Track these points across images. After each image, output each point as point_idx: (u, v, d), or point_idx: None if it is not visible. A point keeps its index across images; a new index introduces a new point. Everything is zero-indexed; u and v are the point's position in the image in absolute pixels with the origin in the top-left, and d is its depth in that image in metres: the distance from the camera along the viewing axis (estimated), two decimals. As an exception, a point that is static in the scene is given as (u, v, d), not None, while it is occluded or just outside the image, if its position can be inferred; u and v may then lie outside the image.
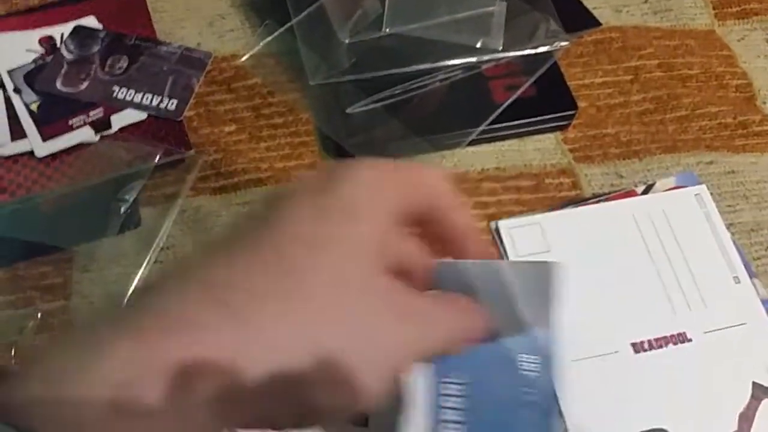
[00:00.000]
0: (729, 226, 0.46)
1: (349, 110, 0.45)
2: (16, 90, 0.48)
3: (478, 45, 0.46)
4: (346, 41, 0.45)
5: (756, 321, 0.43)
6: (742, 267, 0.44)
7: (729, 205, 0.47)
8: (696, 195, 0.47)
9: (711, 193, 0.47)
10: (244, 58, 0.50)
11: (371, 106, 0.46)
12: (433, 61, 0.46)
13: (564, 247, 0.44)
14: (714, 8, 0.56)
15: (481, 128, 0.46)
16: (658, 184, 0.47)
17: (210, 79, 0.51)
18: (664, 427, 0.39)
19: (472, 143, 0.47)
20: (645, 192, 0.47)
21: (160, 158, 0.45)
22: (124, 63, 0.49)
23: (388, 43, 0.46)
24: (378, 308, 0.21)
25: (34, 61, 0.49)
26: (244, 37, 0.52)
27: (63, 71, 0.48)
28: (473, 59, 0.47)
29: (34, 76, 0.48)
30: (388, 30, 0.45)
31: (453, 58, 0.46)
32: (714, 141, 0.50)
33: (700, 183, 0.47)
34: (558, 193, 0.47)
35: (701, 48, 0.54)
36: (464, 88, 0.47)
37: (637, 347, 0.42)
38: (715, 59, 0.54)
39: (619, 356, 0.41)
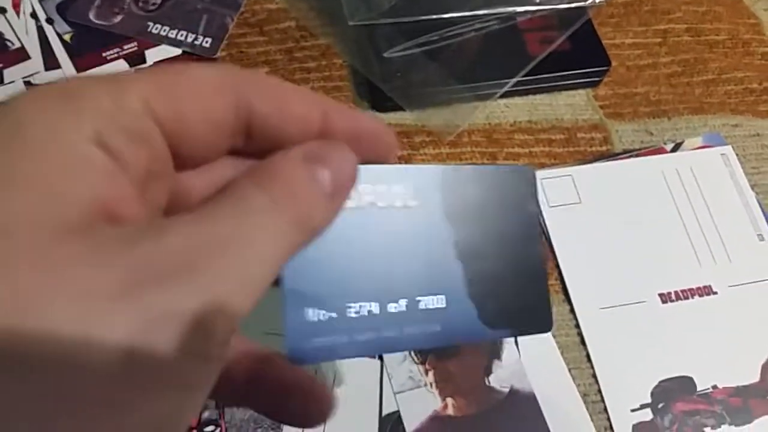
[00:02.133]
0: (753, 187, 0.47)
1: (386, 54, 0.45)
2: (49, 20, 0.47)
3: (517, -5, 0.47)
4: (386, -15, 0.45)
5: (779, 277, 0.44)
6: (766, 225, 0.45)
7: (753, 167, 0.48)
8: (722, 155, 0.48)
9: (736, 155, 0.48)
10: (280, -1, 0.49)
11: (408, 51, 0.46)
12: (470, 9, 0.46)
13: (595, 199, 0.45)
14: (742, -24, 0.57)
15: (515, 79, 0.46)
16: (686, 143, 0.48)
17: (242, 21, 0.50)
18: (689, 374, 0.40)
19: (504, 96, 0.48)
20: (674, 150, 0.47)
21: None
22: (153, 5, 0.48)
23: (428, -12, 0.46)
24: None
25: (67, -8, 0.48)
26: (277, -19, 0.52)
27: (96, 3, 0.48)
28: (510, 9, 0.47)
29: (66, 7, 0.47)
30: (428, -24, 0.45)
31: (490, 7, 0.47)
32: (739, 105, 0.51)
33: (725, 144, 0.48)
34: (589, 148, 0.47)
35: (729, 15, 0.55)
36: (500, 39, 0.47)
37: (664, 298, 0.42)
38: (742, 26, 0.55)
39: (647, 306, 0.42)
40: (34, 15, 0.47)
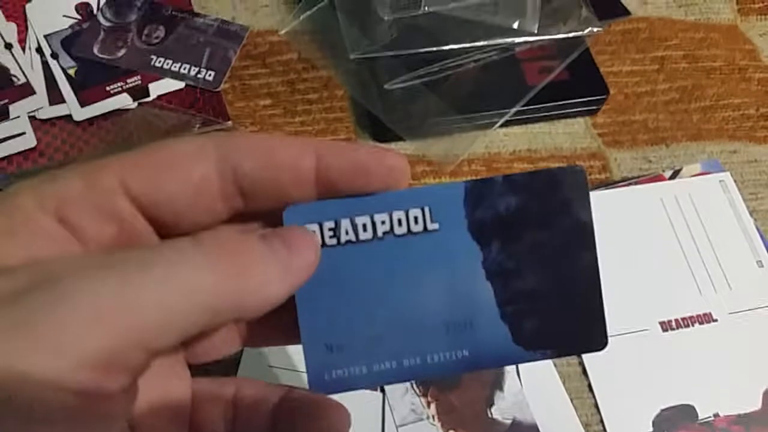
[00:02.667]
0: (751, 213, 0.47)
1: (387, 86, 0.46)
2: (54, 55, 0.48)
3: (515, 26, 0.47)
4: (386, 18, 0.46)
5: (779, 303, 0.44)
6: (765, 251, 0.46)
7: (751, 193, 0.48)
8: (720, 181, 0.48)
9: (734, 181, 0.48)
10: (282, 32, 0.50)
11: (409, 83, 0.46)
12: (470, 41, 0.47)
13: (595, 227, 0.45)
14: (737, 3, 0.58)
15: (515, 109, 0.47)
16: (684, 170, 0.48)
17: (244, 54, 0.51)
18: (690, 403, 0.40)
19: (503, 125, 0.48)
20: (672, 177, 0.48)
21: (199, 127, 0.45)
22: (161, 33, 0.49)
23: (427, 21, 0.47)
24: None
25: (71, 27, 0.49)
26: (278, 13, 0.53)
27: (100, 38, 0.48)
28: (509, 40, 0.47)
29: (71, 42, 0.48)
30: (427, 8, 0.46)
31: (489, 39, 0.47)
32: (737, 131, 0.51)
33: (724, 170, 0.49)
34: (588, 176, 0.48)
35: (725, 41, 0.56)
36: (499, 69, 0.48)
37: (665, 326, 0.43)
38: (738, 53, 0.55)
39: (648, 334, 0.42)
40: (39, 50, 0.48)
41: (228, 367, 0.38)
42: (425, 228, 0.22)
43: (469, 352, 0.22)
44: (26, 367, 0.14)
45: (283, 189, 0.20)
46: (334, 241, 0.22)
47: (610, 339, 0.41)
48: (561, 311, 0.22)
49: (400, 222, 0.22)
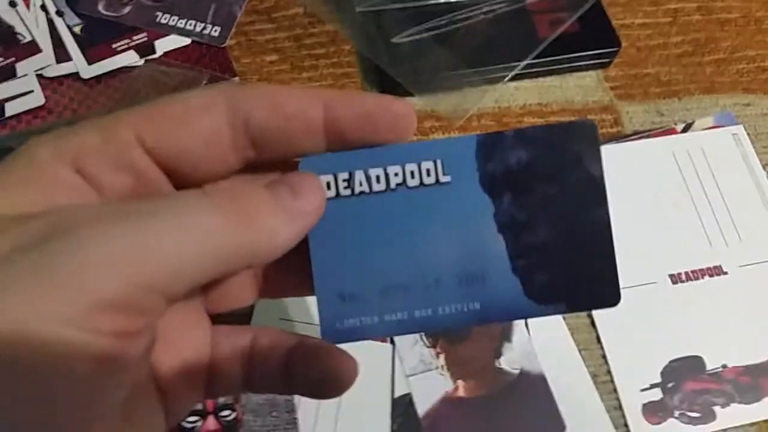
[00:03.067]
0: (764, 167, 0.46)
1: (394, 39, 0.45)
2: (59, 12, 0.47)
3: (525, -23, 0.46)
4: (394, -30, 0.45)
5: (790, 256, 0.44)
6: (778, 205, 0.45)
7: (765, 146, 0.48)
8: (733, 134, 0.47)
9: (748, 134, 0.47)
10: (288, -14, 0.49)
11: (417, 36, 0.46)
12: (479, -8, 0.46)
13: (606, 181, 0.45)
14: (754, -47, 0.56)
15: (525, 62, 0.46)
16: (697, 123, 0.48)
17: (250, 9, 0.50)
18: (699, 354, 0.41)
19: (513, 79, 0.47)
20: (684, 130, 0.47)
21: (206, 83, 0.45)
22: (164, -13, 0.49)
23: (435, -27, 0.46)
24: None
25: (76, -17, 0.48)
26: (284, -32, 0.52)
27: (105, -3, 0.48)
28: (519, -8, 0.47)
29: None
30: (435, -40, 0.45)
31: (499, -9, 0.46)
32: (751, 84, 0.51)
33: (737, 123, 0.48)
34: (600, 129, 0.47)
35: (741, -8, 0.54)
36: (509, 21, 0.47)
37: (675, 278, 0.43)
38: (754, 4, 0.54)
39: (658, 286, 0.42)
40: (44, 7, 0.47)
41: (241, 320, 0.39)
42: (437, 180, 0.22)
43: (480, 304, 0.22)
44: (45, 314, 0.15)
45: (293, 139, 0.21)
46: (348, 191, 0.22)
47: (620, 290, 0.42)
48: (573, 266, 0.22)
49: (412, 174, 0.22)
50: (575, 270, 0.22)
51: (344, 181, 0.22)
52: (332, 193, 0.22)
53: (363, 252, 0.22)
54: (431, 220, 0.22)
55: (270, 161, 0.21)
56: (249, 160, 0.21)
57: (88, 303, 0.15)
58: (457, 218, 0.22)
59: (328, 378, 0.23)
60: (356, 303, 0.22)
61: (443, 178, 0.22)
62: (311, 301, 0.22)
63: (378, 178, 0.22)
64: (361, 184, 0.22)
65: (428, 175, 0.22)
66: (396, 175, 0.22)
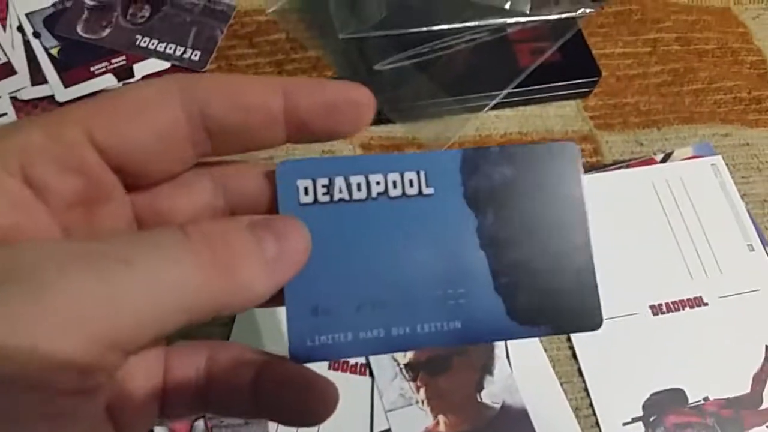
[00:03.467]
0: (743, 197, 0.47)
1: (376, 66, 0.45)
2: (36, 34, 0.46)
3: (507, 6, 0.46)
4: (377, -3, 0.45)
5: (769, 287, 0.44)
6: (756, 236, 0.45)
7: (743, 177, 0.48)
8: (712, 165, 0.48)
9: (726, 164, 0.48)
10: (270, 11, 0.49)
11: (399, 64, 0.46)
12: (461, 21, 0.46)
13: (587, 208, 0.45)
14: (730, -15, 0.57)
15: (506, 91, 0.46)
16: (676, 153, 0.48)
17: (231, 33, 0.50)
18: (680, 387, 0.40)
19: (494, 108, 0.47)
20: (664, 160, 0.48)
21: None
22: (146, 12, 0.48)
23: (418, 0, 0.46)
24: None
25: (54, 5, 0.48)
26: (266, -8, 0.52)
27: (83, 17, 0.47)
28: (501, 21, 0.47)
29: (53, 21, 0.47)
30: (417, -12, 0.45)
31: (481, 19, 0.46)
32: (729, 114, 0.51)
33: (715, 154, 0.48)
34: (579, 159, 0.47)
35: (718, 24, 0.55)
36: (490, 51, 0.47)
37: (656, 309, 0.42)
38: (731, 35, 0.55)
39: (639, 317, 0.42)
40: (20, 29, 0.46)
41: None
42: (420, 192, 0.21)
43: (461, 323, 0.21)
44: None
45: (252, 131, 0.20)
46: (326, 198, 0.21)
47: (600, 323, 0.41)
48: (556, 287, 0.22)
49: (395, 184, 0.21)
50: (557, 291, 0.22)
51: (323, 186, 0.21)
52: (310, 198, 0.21)
53: (339, 263, 0.21)
54: (412, 232, 0.21)
55: (227, 155, 0.20)
56: (205, 154, 0.20)
57: (41, 360, 0.14)
58: (439, 232, 0.21)
59: (303, 405, 0.21)
60: (330, 318, 0.21)
61: (426, 190, 0.21)
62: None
63: (359, 185, 0.21)
64: (341, 191, 0.21)
65: (411, 185, 0.21)
66: (378, 183, 0.21)
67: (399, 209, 0.21)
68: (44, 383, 0.14)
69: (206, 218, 0.21)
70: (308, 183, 0.21)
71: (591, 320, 0.22)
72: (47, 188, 0.18)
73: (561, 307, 0.22)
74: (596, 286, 0.22)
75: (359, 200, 0.21)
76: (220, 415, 0.24)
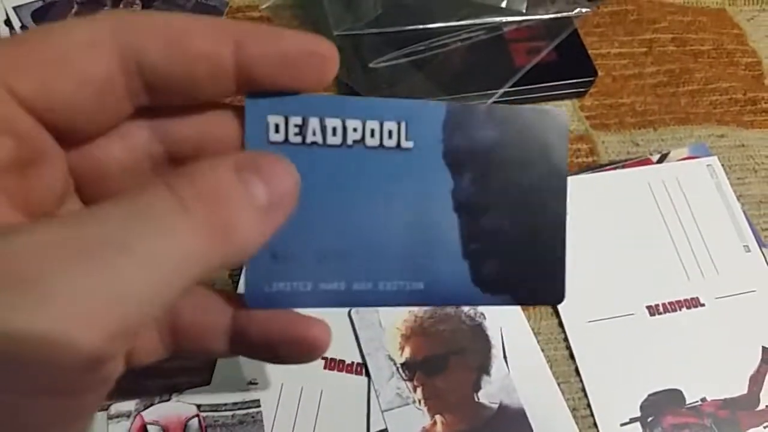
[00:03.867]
0: (739, 198, 0.46)
1: (372, 64, 0.45)
2: (24, 28, 0.46)
3: (503, 5, 0.46)
4: (372, -6, 0.45)
5: (766, 288, 0.43)
6: (752, 236, 0.45)
7: (739, 178, 0.48)
8: (708, 166, 0.48)
9: (722, 165, 0.48)
10: (263, 7, 0.48)
11: (394, 62, 0.45)
12: (457, 19, 0.46)
13: (581, 211, 0.44)
14: (725, -13, 0.57)
15: (502, 90, 0.46)
16: (672, 154, 0.48)
17: (225, 30, 0.49)
18: (678, 387, 0.40)
19: (490, 106, 0.47)
20: (660, 161, 0.47)
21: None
22: (137, 7, 0.47)
23: (414, -2, 0.46)
24: None
25: (43, -1, 0.47)
26: (260, -11, 0.51)
27: (73, 12, 0.47)
28: (497, 19, 0.47)
29: (42, 15, 0.46)
30: (413, -15, 0.45)
31: (477, 17, 0.46)
32: (724, 115, 0.51)
33: (711, 154, 0.48)
34: (575, 159, 0.47)
35: (713, 25, 0.55)
36: (486, 49, 0.47)
37: (652, 310, 0.42)
38: (726, 37, 0.55)
39: (635, 318, 0.42)
40: (8, 23, 0.46)
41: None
42: (399, 145, 0.20)
43: (424, 284, 0.21)
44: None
45: (196, 83, 0.18)
46: (298, 138, 0.20)
47: (597, 323, 0.41)
48: (523, 258, 0.21)
49: (372, 133, 0.20)
50: (525, 262, 0.21)
51: (296, 126, 0.20)
52: (280, 137, 0.20)
53: (305, 210, 0.19)
54: (384, 185, 0.20)
55: (168, 105, 0.19)
56: (143, 105, 0.18)
57: (52, 365, 0.13)
58: (412, 189, 0.20)
59: (290, 344, 0.20)
60: (289, 265, 0.20)
61: (405, 144, 0.20)
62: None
63: (334, 130, 0.20)
64: (314, 134, 0.20)
65: (390, 137, 0.20)
66: (355, 130, 0.20)
67: (374, 160, 0.20)
68: (56, 388, 0.14)
69: (154, 166, 0.19)
70: (280, 120, 0.19)
71: (553, 295, 0.22)
72: None
73: (526, 279, 0.22)
74: (564, 262, 0.22)
75: (333, 146, 0.20)
76: (191, 356, 0.23)
